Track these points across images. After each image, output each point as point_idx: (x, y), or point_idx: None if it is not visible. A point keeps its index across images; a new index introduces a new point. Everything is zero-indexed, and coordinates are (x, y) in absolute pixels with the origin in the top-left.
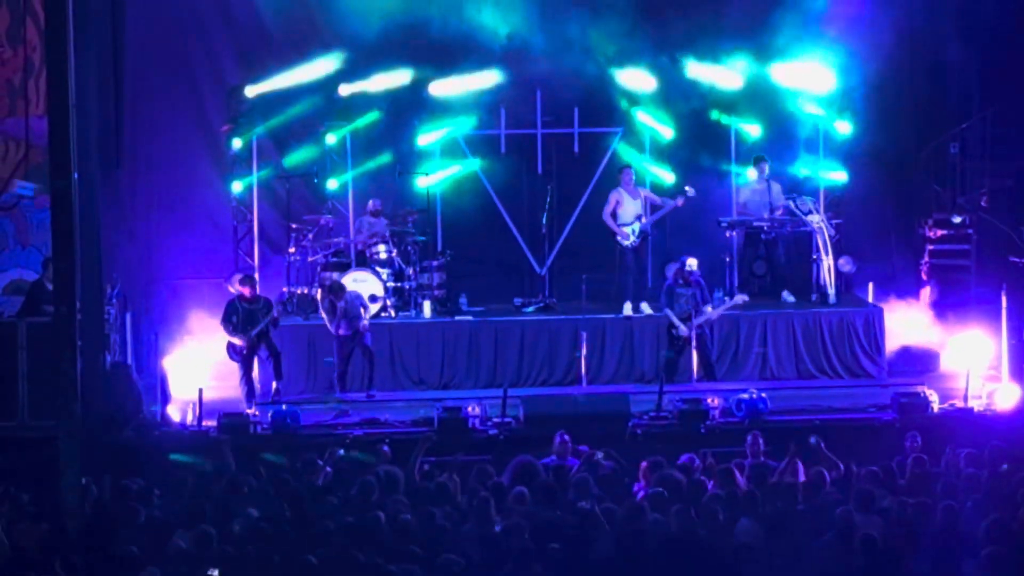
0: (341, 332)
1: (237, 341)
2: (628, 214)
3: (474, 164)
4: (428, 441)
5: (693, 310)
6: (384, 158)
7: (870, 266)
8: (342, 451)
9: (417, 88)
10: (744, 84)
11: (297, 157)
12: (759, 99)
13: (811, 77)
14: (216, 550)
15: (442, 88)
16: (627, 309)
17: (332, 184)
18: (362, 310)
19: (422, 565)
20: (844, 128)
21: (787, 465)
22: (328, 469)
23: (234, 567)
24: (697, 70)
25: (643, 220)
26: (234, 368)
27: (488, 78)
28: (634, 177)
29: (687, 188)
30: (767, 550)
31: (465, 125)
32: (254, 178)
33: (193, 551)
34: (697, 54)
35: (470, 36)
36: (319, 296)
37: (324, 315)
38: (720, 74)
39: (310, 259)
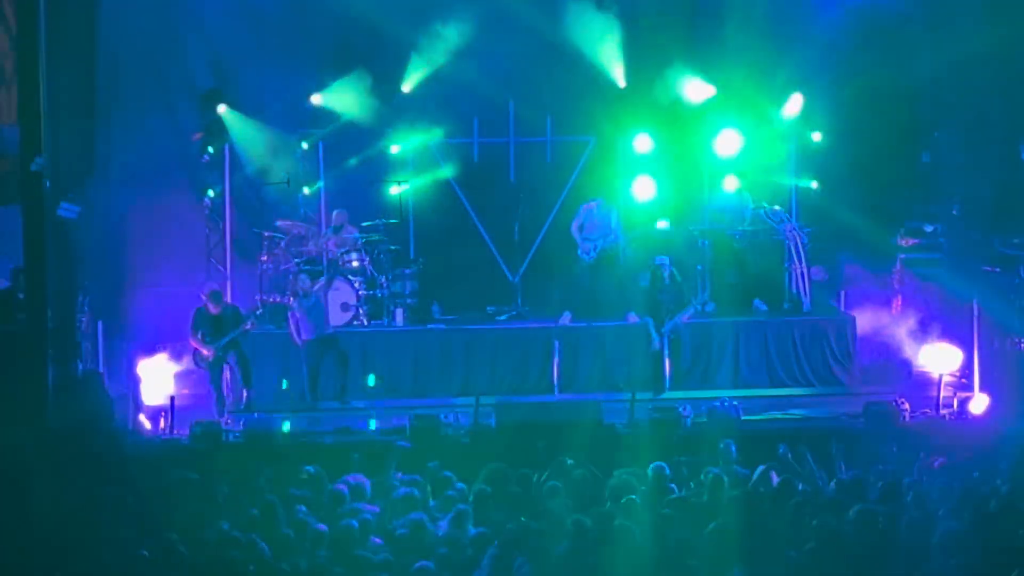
0: (304, 336)
1: (204, 351)
2: (594, 230)
3: (446, 172)
4: (403, 450)
5: (667, 315)
6: (356, 166)
7: (842, 274)
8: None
9: (389, 96)
10: (717, 95)
11: (269, 164)
12: (732, 109)
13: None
14: (185, 559)
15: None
16: (565, 319)
17: (304, 192)
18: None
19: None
20: (816, 137)
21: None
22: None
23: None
24: (672, 81)
25: (607, 238)
26: (207, 377)
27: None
28: (604, 202)
29: (660, 223)
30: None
31: (438, 134)
32: (226, 186)
33: (161, 560)
34: (672, 66)
35: (440, 46)
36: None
37: (290, 318)
38: (693, 85)
39: (282, 267)
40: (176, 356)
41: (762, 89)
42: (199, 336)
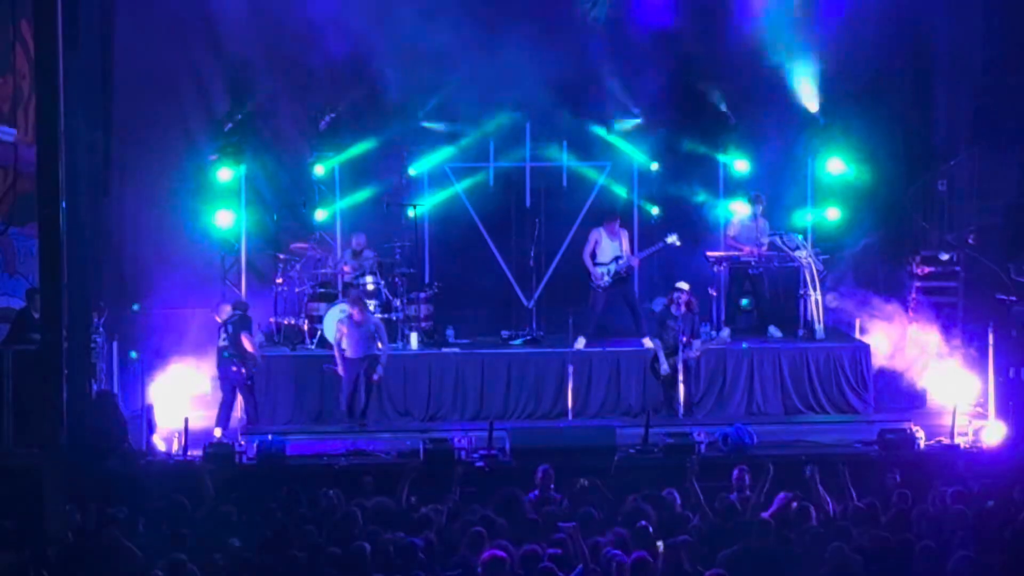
0: (350, 355)
1: (257, 355)
2: (606, 255)
3: (461, 196)
4: (415, 471)
5: (680, 343)
6: (372, 189)
7: (857, 302)
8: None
9: (407, 120)
10: (734, 121)
11: (286, 187)
12: (748, 134)
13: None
14: None
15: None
16: (579, 344)
17: (320, 215)
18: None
19: None
20: (835, 165)
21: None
22: None
23: None
24: (684, 108)
25: (620, 262)
26: (220, 398)
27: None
28: (618, 223)
29: (670, 237)
30: None
31: (454, 157)
32: (242, 208)
33: None
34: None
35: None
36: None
37: (340, 332)
38: (710, 112)
39: (297, 290)
40: (190, 377)
41: (780, 114)
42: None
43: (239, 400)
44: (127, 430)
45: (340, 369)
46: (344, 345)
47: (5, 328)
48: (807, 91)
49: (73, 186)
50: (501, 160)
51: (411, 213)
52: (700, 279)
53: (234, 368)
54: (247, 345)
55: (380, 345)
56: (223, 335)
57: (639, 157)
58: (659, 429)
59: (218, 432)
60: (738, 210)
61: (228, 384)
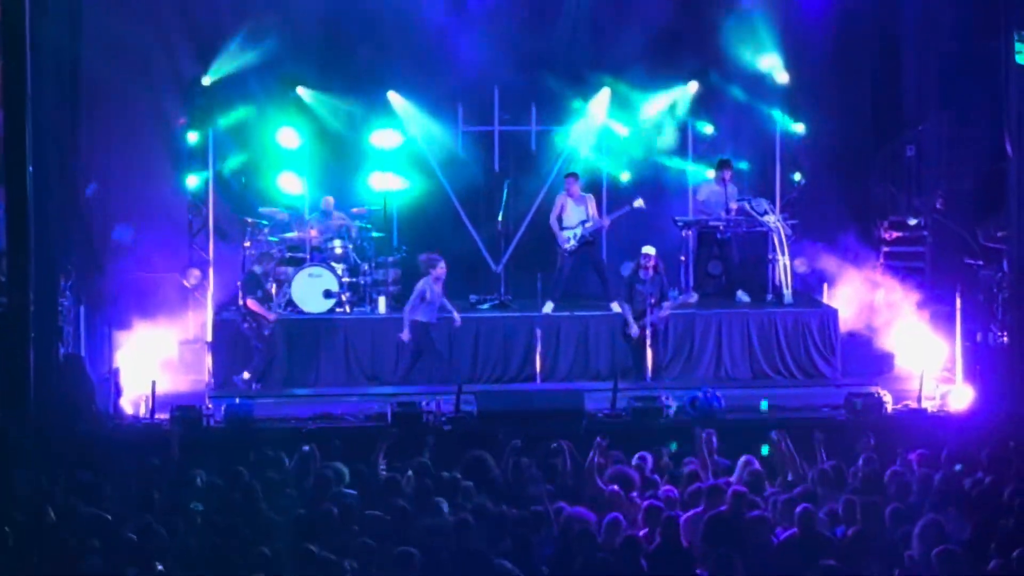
0: (424, 319)
1: (270, 316)
2: (571, 219)
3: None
4: (390, 438)
5: (648, 306)
6: (339, 153)
7: (825, 267)
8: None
9: (374, 86)
10: (700, 86)
11: (253, 151)
12: (715, 99)
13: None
14: (164, 542)
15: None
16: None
17: (286, 179)
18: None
19: (376, 558)
20: (800, 129)
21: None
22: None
23: (184, 559)
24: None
25: (586, 225)
26: (188, 361)
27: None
28: (579, 184)
29: (636, 201)
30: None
31: (421, 122)
32: (209, 172)
33: (140, 543)
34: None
35: (427, 32)
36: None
37: (430, 289)
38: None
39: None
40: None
41: (745, 77)
42: (258, 300)
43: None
44: (94, 394)
45: (407, 335)
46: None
47: None
48: (775, 55)
49: (41, 150)
50: (469, 125)
51: (378, 177)
52: (668, 244)
53: (245, 325)
54: (252, 307)
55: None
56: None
57: (608, 121)
58: (627, 393)
59: (246, 375)
60: (708, 175)
61: (242, 340)
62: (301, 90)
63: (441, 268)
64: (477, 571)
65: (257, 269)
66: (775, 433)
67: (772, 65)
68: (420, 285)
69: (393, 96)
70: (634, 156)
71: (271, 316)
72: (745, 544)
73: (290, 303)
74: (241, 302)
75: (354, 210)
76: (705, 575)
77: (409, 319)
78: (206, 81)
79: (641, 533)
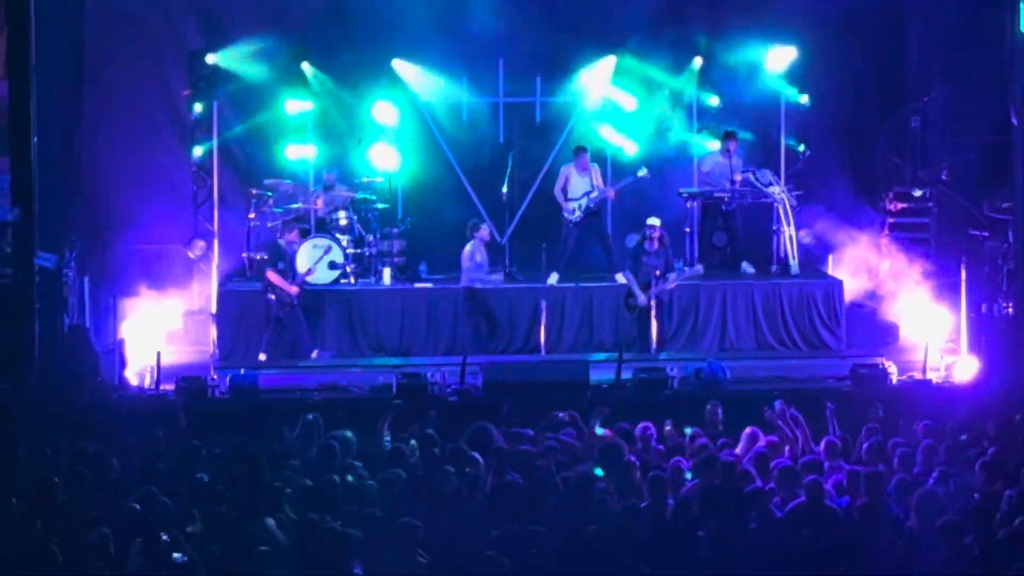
0: (477, 284)
1: (291, 289)
2: (577, 190)
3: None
4: (396, 409)
5: (653, 278)
6: (344, 125)
7: (829, 238)
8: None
9: (379, 58)
10: (704, 58)
11: (258, 123)
12: (719, 70)
13: (772, 50)
14: (169, 512)
15: (404, 66)
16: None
17: (292, 151)
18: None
19: (380, 528)
20: (805, 100)
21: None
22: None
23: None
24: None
25: (591, 196)
26: (193, 333)
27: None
28: (587, 157)
29: (641, 171)
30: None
31: (427, 93)
32: (214, 143)
33: (145, 513)
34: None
35: (433, 2)
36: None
37: (479, 251)
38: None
39: (270, 224)
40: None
41: (750, 48)
42: (280, 272)
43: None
44: (99, 365)
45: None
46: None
47: None
48: (780, 27)
49: (45, 121)
50: (475, 96)
51: (383, 148)
52: (673, 216)
53: (269, 296)
54: (273, 279)
55: None
56: None
57: (613, 92)
58: (632, 364)
59: (262, 356)
60: (712, 147)
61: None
62: (305, 65)
63: (484, 231)
64: (480, 542)
65: (281, 241)
66: (778, 404)
67: (778, 37)
68: (469, 249)
69: (398, 64)
70: (639, 127)
71: (292, 288)
72: (745, 515)
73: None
74: (266, 273)
75: (363, 180)
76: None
77: (466, 285)
78: (211, 59)
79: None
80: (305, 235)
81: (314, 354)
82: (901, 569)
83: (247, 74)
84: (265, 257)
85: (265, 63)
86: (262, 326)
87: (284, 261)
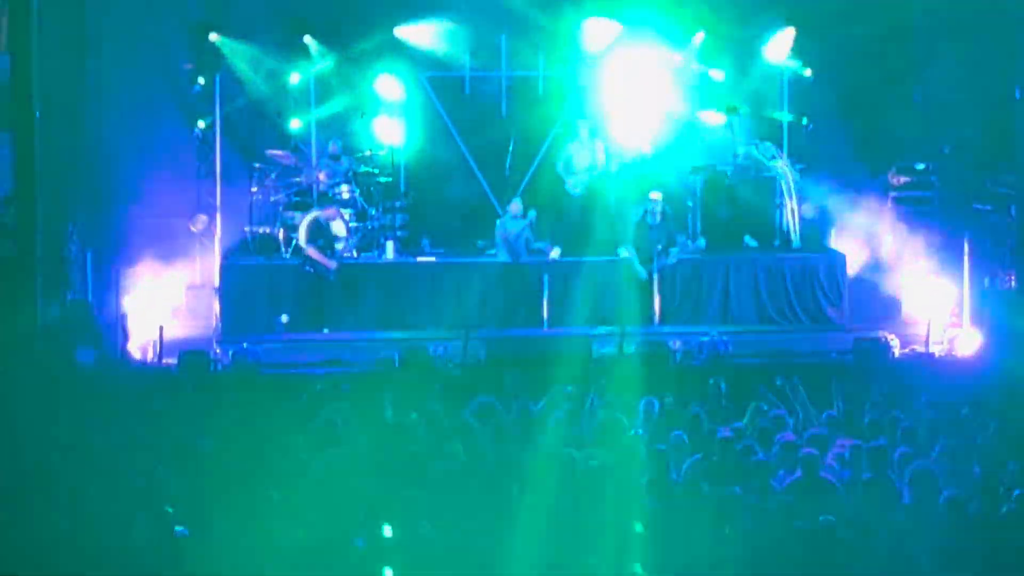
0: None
1: (328, 263)
2: (579, 164)
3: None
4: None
5: (656, 252)
6: (347, 98)
7: (832, 212)
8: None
9: (383, 30)
10: (707, 32)
11: (261, 96)
12: (722, 43)
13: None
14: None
15: (408, 31)
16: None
17: (295, 124)
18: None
19: (383, 501)
20: (808, 74)
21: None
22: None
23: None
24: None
25: (594, 171)
26: (196, 306)
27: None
28: (587, 129)
29: (645, 146)
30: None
31: (429, 67)
32: (217, 117)
33: (148, 487)
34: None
35: None
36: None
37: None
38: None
39: (272, 198)
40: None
41: (753, 23)
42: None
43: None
44: (102, 339)
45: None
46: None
47: None
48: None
49: (47, 95)
50: (477, 70)
51: (386, 122)
52: (676, 189)
53: (307, 269)
54: (313, 255)
55: None
56: None
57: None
58: (635, 338)
59: (284, 318)
60: (715, 120)
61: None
62: (308, 38)
63: (515, 205)
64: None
65: (321, 217)
66: (780, 379)
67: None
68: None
69: (401, 31)
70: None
71: (332, 264)
72: (746, 488)
73: (298, 249)
74: (304, 249)
75: (366, 153)
76: None
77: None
78: (214, 37)
79: None
80: (306, 209)
81: (325, 330)
82: (903, 544)
83: (250, 47)
84: (268, 231)
85: (268, 36)
86: (265, 301)
87: (324, 237)
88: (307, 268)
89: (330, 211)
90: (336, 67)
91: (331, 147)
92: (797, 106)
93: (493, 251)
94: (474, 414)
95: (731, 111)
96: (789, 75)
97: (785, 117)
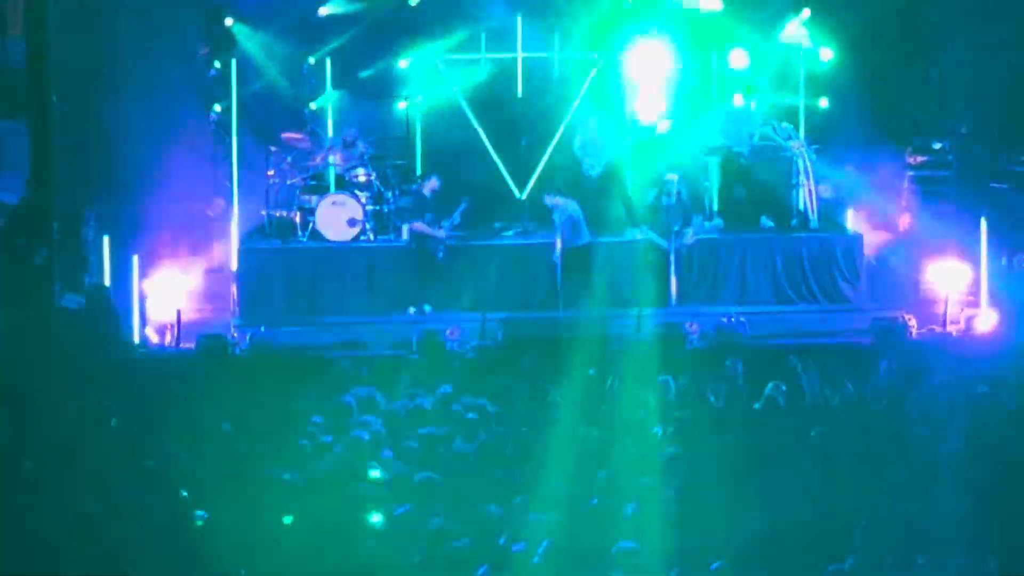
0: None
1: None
2: (596, 146)
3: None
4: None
5: (672, 233)
6: (363, 81)
7: (849, 192)
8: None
9: (398, 10)
10: (725, 10)
11: (278, 79)
12: (741, 26)
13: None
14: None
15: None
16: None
17: (311, 107)
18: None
19: (398, 484)
20: (826, 55)
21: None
22: None
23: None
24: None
25: (611, 154)
26: (213, 291)
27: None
28: (604, 114)
29: (662, 124)
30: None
31: (446, 48)
32: (233, 100)
33: (164, 470)
34: None
35: None
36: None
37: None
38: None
39: (289, 182)
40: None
41: (770, 4)
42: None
43: None
44: (119, 323)
45: None
46: None
47: None
48: None
49: (64, 79)
50: (493, 51)
51: (402, 105)
52: (693, 170)
53: (412, 246)
54: (420, 229)
55: None
56: None
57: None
58: (651, 319)
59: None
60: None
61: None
62: (324, 9)
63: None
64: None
65: (424, 190)
66: (792, 358)
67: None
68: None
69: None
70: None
71: (440, 233)
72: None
73: (315, 233)
74: (411, 226)
75: (382, 136)
76: None
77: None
78: (229, 22)
79: None
80: (323, 192)
81: (411, 310)
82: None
83: (266, 28)
84: (285, 215)
85: (283, 18)
86: (283, 284)
87: (430, 212)
88: (412, 245)
89: (432, 183)
90: (352, 47)
91: (347, 132)
92: (814, 87)
93: (510, 233)
94: (490, 396)
95: (747, 91)
96: (806, 56)
97: (801, 99)
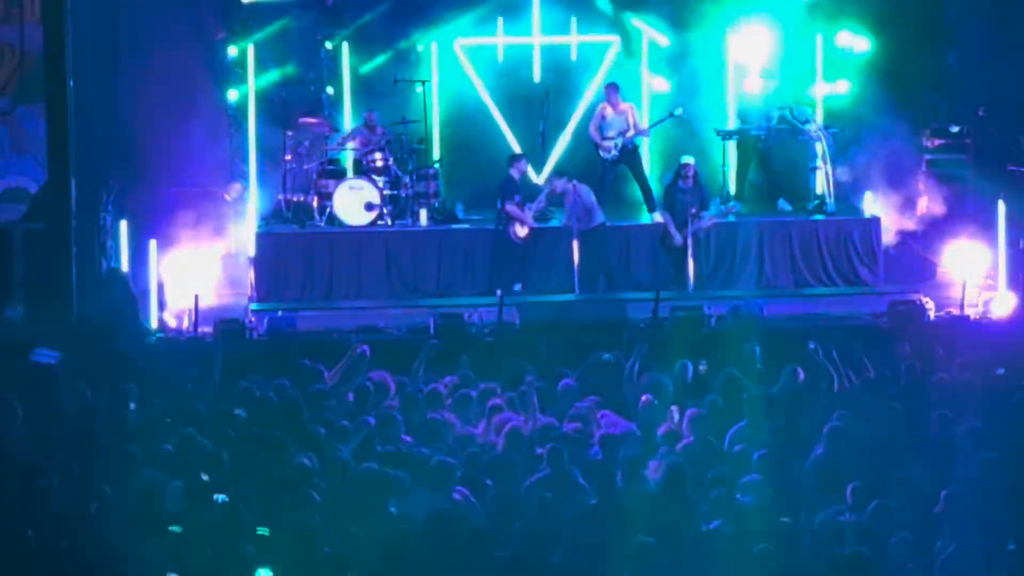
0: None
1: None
2: (612, 129)
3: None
4: (432, 350)
5: (689, 216)
6: (381, 64)
7: (867, 175)
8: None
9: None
10: None
11: (294, 64)
12: (756, 8)
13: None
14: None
15: None
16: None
17: (329, 91)
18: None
19: (415, 469)
20: (844, 39)
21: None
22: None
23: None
24: None
25: (627, 135)
26: (231, 275)
27: None
28: (619, 93)
29: (677, 110)
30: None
31: (462, 32)
32: (250, 85)
33: (184, 454)
34: None
35: None
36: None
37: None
38: None
39: (306, 167)
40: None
41: None
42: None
43: None
44: (137, 308)
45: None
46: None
47: (15, 207)
48: None
49: (81, 65)
50: (510, 35)
51: (419, 89)
52: (710, 154)
53: (500, 228)
54: (511, 211)
55: None
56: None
57: (649, 31)
58: (669, 303)
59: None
60: (748, 85)
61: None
62: None
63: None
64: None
65: (515, 174)
66: (812, 343)
67: None
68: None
69: None
70: (676, 66)
71: (529, 218)
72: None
73: (333, 217)
74: (499, 207)
75: (400, 120)
76: None
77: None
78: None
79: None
80: (341, 176)
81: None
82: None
83: (283, 13)
84: (302, 199)
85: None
86: (300, 269)
87: (519, 194)
88: (499, 227)
89: (521, 164)
90: (368, 32)
91: (367, 116)
92: (831, 70)
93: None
94: (507, 381)
95: (764, 75)
96: (824, 38)
97: (820, 81)
